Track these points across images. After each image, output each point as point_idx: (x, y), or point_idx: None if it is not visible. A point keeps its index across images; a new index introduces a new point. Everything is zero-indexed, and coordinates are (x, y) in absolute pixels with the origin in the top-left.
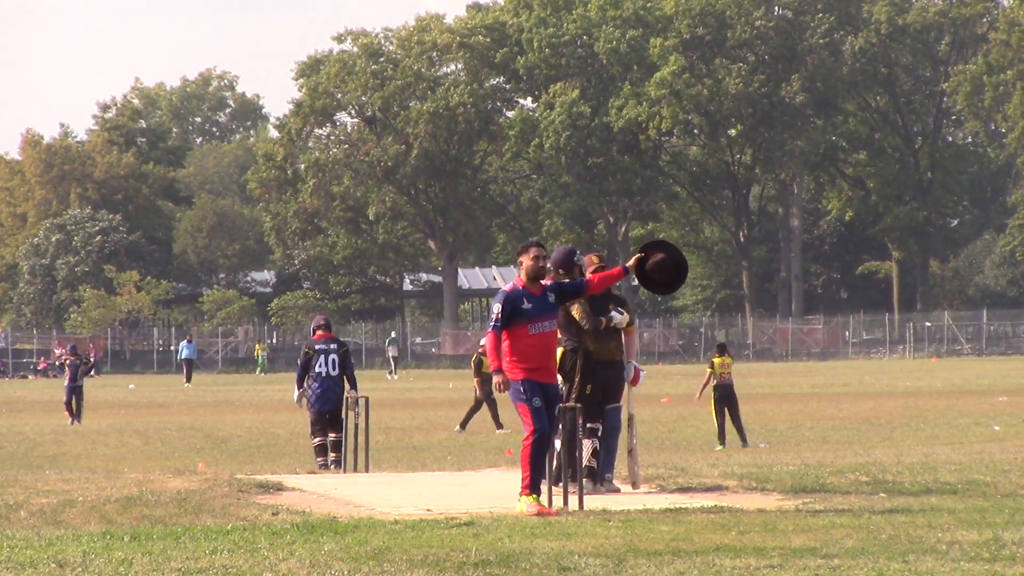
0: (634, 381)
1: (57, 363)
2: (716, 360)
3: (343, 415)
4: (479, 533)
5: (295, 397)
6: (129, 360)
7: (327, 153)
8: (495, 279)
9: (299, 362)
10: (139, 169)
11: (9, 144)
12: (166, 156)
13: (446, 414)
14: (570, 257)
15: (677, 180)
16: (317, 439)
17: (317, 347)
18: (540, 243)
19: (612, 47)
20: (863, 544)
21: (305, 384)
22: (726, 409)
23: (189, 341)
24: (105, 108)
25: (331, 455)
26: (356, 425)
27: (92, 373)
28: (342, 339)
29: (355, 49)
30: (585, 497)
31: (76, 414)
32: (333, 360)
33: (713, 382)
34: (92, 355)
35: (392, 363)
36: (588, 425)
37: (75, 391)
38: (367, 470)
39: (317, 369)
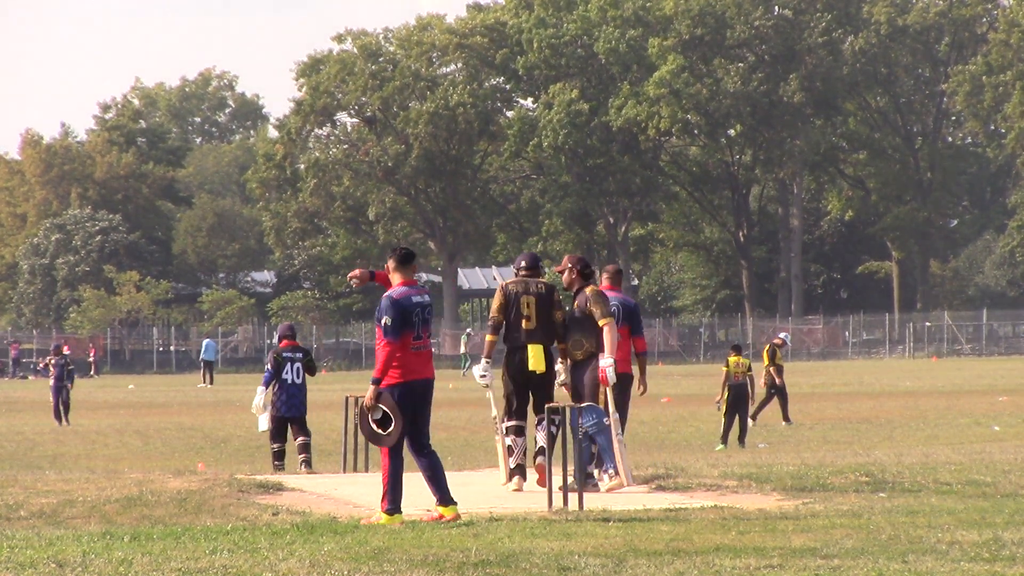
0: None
1: (41, 364)
2: (731, 359)
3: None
4: (479, 533)
5: (259, 402)
6: (129, 360)
7: (327, 153)
8: (495, 279)
9: (269, 367)
10: (139, 169)
11: (9, 144)
12: (166, 156)
13: (446, 414)
14: (520, 260)
15: (677, 180)
16: (276, 444)
17: (285, 355)
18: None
19: (612, 47)
20: (863, 544)
21: (271, 391)
22: (736, 410)
23: (209, 341)
24: (105, 108)
25: (301, 456)
26: (356, 425)
27: (92, 373)
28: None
29: (355, 49)
30: (584, 497)
31: (63, 415)
32: (298, 368)
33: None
34: (92, 354)
35: (469, 359)
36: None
37: (61, 392)
38: (367, 470)
39: (283, 377)
